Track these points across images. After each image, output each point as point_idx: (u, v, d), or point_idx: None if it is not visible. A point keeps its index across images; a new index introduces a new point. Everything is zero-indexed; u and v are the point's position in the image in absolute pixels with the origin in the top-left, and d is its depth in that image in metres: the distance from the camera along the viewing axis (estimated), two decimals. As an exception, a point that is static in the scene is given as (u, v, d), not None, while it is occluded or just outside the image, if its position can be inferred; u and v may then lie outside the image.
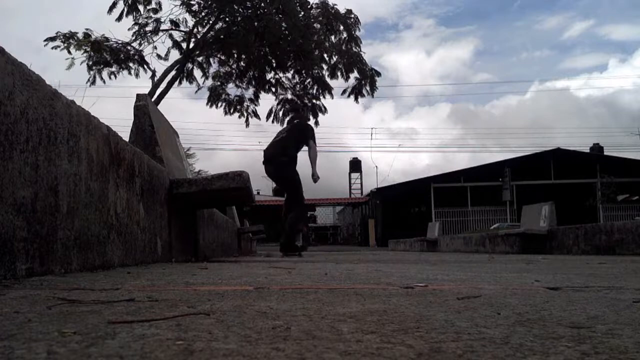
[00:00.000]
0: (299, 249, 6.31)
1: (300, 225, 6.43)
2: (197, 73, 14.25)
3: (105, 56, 12.85)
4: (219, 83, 14.64)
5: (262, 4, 13.02)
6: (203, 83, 14.50)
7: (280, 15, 12.76)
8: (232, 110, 14.87)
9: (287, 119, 6.36)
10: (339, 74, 14.01)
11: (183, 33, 13.46)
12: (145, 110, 3.91)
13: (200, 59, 14.06)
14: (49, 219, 1.72)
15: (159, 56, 13.45)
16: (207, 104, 14.72)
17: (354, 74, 14.05)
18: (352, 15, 13.75)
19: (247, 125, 15.12)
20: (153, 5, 12.94)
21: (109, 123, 2.37)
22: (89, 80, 12.92)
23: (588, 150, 31.99)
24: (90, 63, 12.82)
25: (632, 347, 0.71)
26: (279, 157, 6.22)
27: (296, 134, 6.41)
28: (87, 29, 12.50)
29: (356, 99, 14.30)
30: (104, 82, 13.14)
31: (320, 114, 14.53)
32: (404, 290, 1.54)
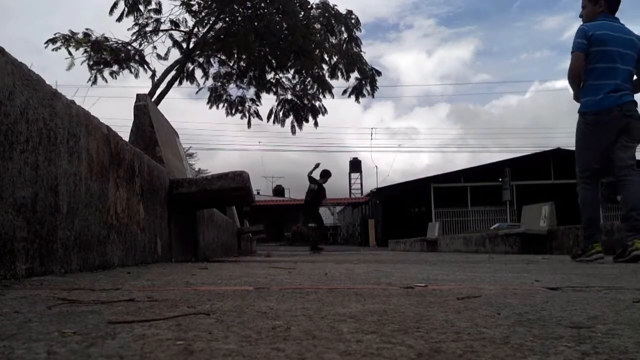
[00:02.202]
0: (320, 249, 11.02)
1: (320, 238, 12.31)
2: (198, 73, 14.27)
3: (105, 56, 12.86)
4: (219, 83, 14.64)
5: (262, 4, 13.02)
6: (204, 83, 14.51)
7: (281, 16, 12.76)
8: (233, 111, 14.87)
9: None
10: (339, 74, 14.01)
11: (183, 33, 13.47)
12: (145, 110, 3.91)
13: (200, 59, 14.07)
14: (49, 219, 1.72)
15: (159, 56, 13.45)
16: (207, 104, 14.74)
17: (354, 74, 14.06)
18: (353, 16, 13.75)
19: (249, 126, 15.13)
20: (153, 6, 12.95)
21: (109, 123, 2.37)
22: (90, 79, 12.93)
23: (588, 151, 31.91)
24: (91, 63, 12.82)
25: (632, 347, 0.71)
26: (306, 205, 12.14)
27: (311, 191, 11.78)
28: (87, 29, 12.52)
29: (357, 99, 14.30)
30: (106, 81, 13.15)
31: (320, 115, 14.55)
32: (404, 290, 1.54)
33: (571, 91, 3.97)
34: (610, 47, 3.76)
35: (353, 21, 13.74)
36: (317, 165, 11.39)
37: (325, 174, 11.57)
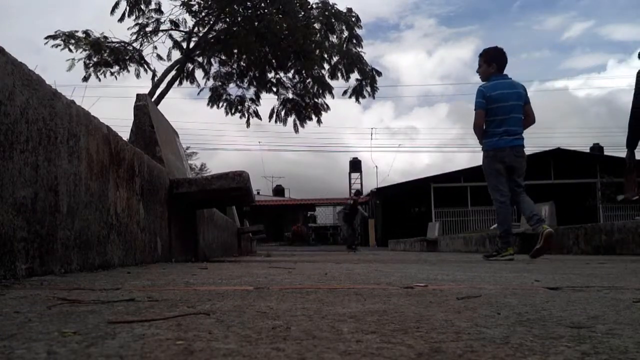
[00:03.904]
0: (355, 248, 15.04)
1: (355, 240, 16.51)
2: (198, 73, 14.27)
3: (105, 57, 12.86)
4: (219, 83, 14.65)
5: (262, 4, 13.02)
6: (205, 84, 14.52)
7: (281, 16, 12.76)
8: (233, 111, 14.88)
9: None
10: (339, 74, 14.02)
11: (183, 33, 13.47)
12: (145, 110, 3.91)
13: (200, 59, 14.07)
14: (49, 219, 1.72)
15: (159, 56, 13.46)
16: (208, 104, 14.74)
17: (355, 75, 14.07)
18: (353, 14, 13.76)
19: (248, 125, 15.14)
20: (153, 6, 12.96)
21: (109, 123, 2.37)
22: (84, 77, 12.93)
23: (588, 150, 31.92)
24: (91, 63, 12.83)
25: (632, 347, 0.71)
26: (346, 217, 16.41)
27: (349, 205, 16.45)
28: (86, 30, 12.52)
29: (357, 99, 14.30)
30: (99, 80, 13.15)
31: (323, 112, 14.55)
32: (404, 290, 1.54)
33: (476, 138, 5.20)
34: (502, 103, 4.94)
35: (353, 19, 13.74)
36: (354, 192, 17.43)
37: (357, 193, 17.58)
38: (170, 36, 13.45)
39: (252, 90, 14.71)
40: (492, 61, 5.08)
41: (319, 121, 14.60)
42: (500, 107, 4.93)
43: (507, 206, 5.01)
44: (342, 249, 19.89)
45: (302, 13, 13.20)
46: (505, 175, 5.02)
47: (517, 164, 5.05)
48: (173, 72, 13.24)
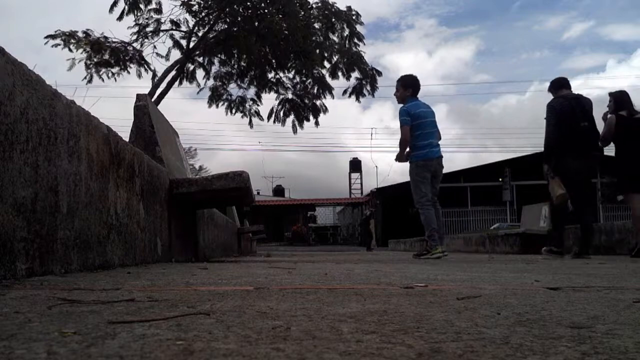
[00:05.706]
0: (372, 249, 17.38)
1: (370, 242, 19.93)
2: (199, 73, 14.26)
3: (105, 57, 12.85)
4: (219, 83, 14.63)
5: (263, 4, 13.02)
6: (205, 84, 14.50)
7: (281, 16, 12.75)
8: (234, 111, 14.86)
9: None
10: (339, 73, 14.01)
11: (183, 33, 13.47)
12: (145, 110, 3.91)
13: (200, 59, 14.07)
14: (49, 219, 1.72)
15: (159, 55, 13.45)
16: (207, 102, 14.73)
17: (355, 74, 14.06)
18: (353, 12, 13.75)
19: (251, 126, 15.13)
20: (153, 6, 12.95)
21: (109, 123, 2.37)
22: (85, 78, 12.92)
23: (588, 150, 31.87)
24: (90, 63, 12.82)
25: (632, 347, 0.71)
26: (362, 222, 21.87)
27: (366, 214, 20.96)
28: (86, 29, 12.52)
29: (357, 98, 14.30)
30: (103, 80, 13.14)
31: (321, 113, 14.55)
32: (404, 290, 1.54)
33: (400, 151, 5.71)
34: (423, 119, 5.62)
35: (354, 17, 13.74)
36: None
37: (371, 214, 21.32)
38: (171, 36, 13.45)
39: (253, 90, 14.70)
40: (408, 86, 5.74)
41: (317, 122, 14.60)
42: (423, 122, 5.61)
43: (431, 209, 5.54)
44: (342, 249, 20.02)
45: (302, 13, 13.19)
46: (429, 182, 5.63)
47: (440, 172, 5.70)
48: (173, 72, 13.23)
